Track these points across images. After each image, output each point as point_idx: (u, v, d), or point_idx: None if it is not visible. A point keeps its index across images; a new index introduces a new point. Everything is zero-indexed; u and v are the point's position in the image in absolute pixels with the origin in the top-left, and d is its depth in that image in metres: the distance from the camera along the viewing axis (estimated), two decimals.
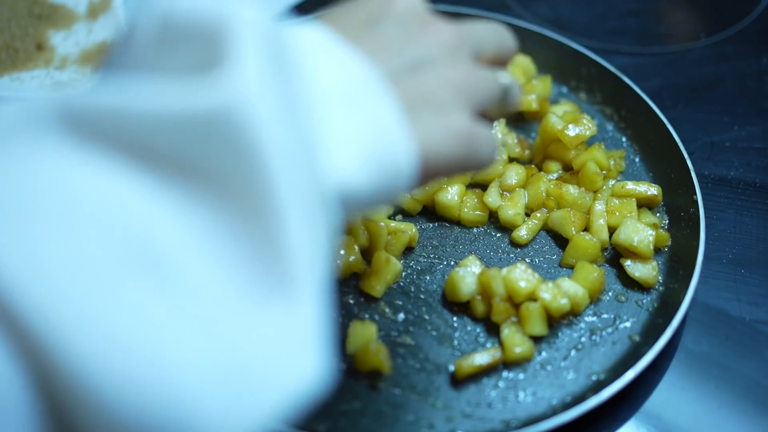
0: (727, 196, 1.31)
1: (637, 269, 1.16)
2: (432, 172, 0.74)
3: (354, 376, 1.07)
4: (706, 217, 1.19)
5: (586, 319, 1.13)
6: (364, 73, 0.69)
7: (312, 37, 0.70)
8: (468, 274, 1.13)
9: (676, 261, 1.18)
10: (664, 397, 1.07)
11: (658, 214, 1.24)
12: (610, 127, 1.39)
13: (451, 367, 1.08)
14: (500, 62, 0.89)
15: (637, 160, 1.33)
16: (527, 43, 1.49)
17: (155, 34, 0.61)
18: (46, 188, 0.51)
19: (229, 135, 0.54)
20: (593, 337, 1.11)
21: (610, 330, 1.12)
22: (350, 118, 0.66)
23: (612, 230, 1.20)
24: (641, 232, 1.16)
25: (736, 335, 1.13)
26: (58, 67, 1.48)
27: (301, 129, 0.61)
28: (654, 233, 1.17)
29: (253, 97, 0.56)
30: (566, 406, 1.02)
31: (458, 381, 1.06)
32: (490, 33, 0.88)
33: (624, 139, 1.36)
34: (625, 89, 1.38)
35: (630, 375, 1.02)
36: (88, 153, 0.54)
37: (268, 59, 0.59)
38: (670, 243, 1.20)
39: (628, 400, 1.06)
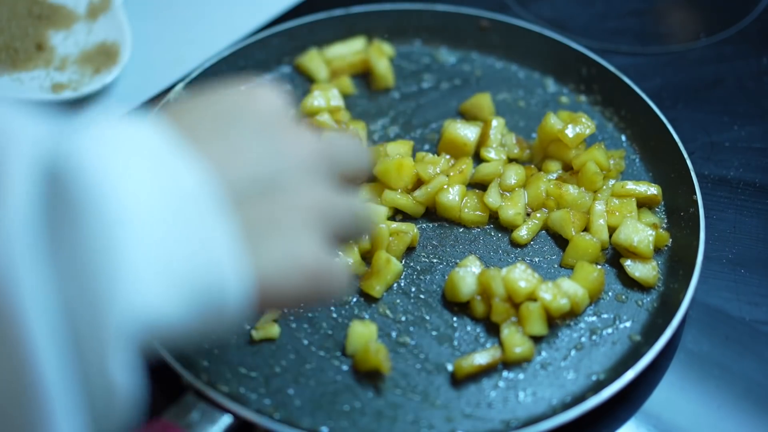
0: (727, 196, 1.31)
1: (637, 269, 1.16)
2: (272, 303, 0.69)
3: (354, 376, 1.07)
4: (706, 217, 1.19)
5: (586, 319, 1.13)
6: (198, 188, 0.63)
7: (143, 139, 0.64)
8: (468, 275, 1.13)
9: (676, 261, 1.18)
10: (664, 397, 1.07)
11: (658, 214, 1.24)
12: (610, 127, 1.39)
13: (451, 367, 1.08)
14: (354, 181, 0.84)
15: (637, 160, 1.33)
16: (527, 43, 1.49)
17: None
18: None
19: None
20: (593, 337, 1.11)
21: (610, 330, 1.12)
22: (166, 243, 0.60)
23: (612, 230, 1.20)
24: (641, 232, 1.16)
25: (736, 335, 1.13)
26: (58, 67, 1.48)
27: (80, 274, 0.55)
28: (654, 233, 1.17)
29: (12, 259, 0.52)
30: (566, 406, 1.02)
31: (458, 381, 1.06)
32: (349, 151, 0.83)
33: (624, 139, 1.36)
34: (625, 89, 1.38)
35: (630, 375, 1.02)
36: None
37: (44, 192, 0.55)
38: (670, 243, 1.20)
39: (628, 400, 1.06)
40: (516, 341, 1.08)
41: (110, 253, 0.57)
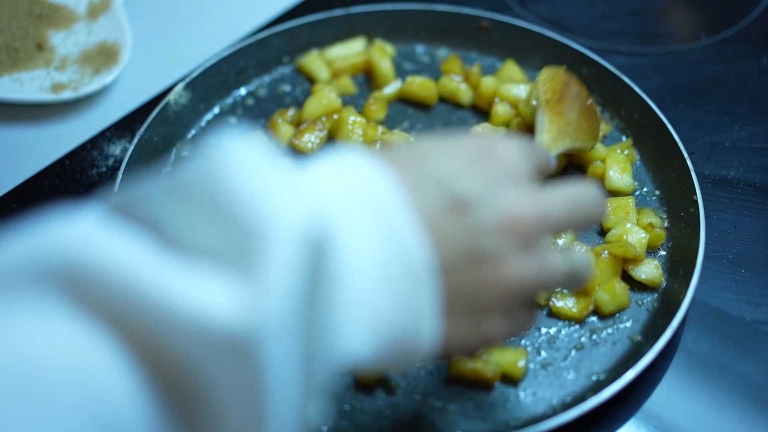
0: (727, 196, 1.31)
1: (642, 272, 1.16)
2: (447, 355, 0.76)
3: (354, 376, 1.07)
4: (706, 217, 1.19)
5: (586, 319, 1.13)
6: (416, 254, 0.66)
7: (372, 189, 0.67)
8: None
9: (676, 261, 1.18)
10: (664, 397, 1.07)
11: (658, 214, 1.24)
12: (610, 126, 1.39)
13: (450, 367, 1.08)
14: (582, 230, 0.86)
15: (637, 160, 1.33)
16: (527, 43, 1.49)
17: (183, 188, 0.59)
18: (31, 362, 0.50)
19: (239, 359, 0.54)
20: (593, 337, 1.11)
21: (610, 330, 1.12)
22: (380, 300, 0.64)
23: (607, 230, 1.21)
24: (634, 233, 1.17)
25: (737, 335, 1.13)
26: (59, 67, 1.48)
27: (315, 330, 0.60)
28: (647, 236, 1.17)
29: (275, 324, 0.55)
30: (566, 406, 1.02)
31: (458, 381, 1.06)
32: (576, 207, 0.80)
33: (624, 139, 1.36)
34: (625, 89, 1.38)
35: (630, 375, 1.02)
36: (85, 327, 0.53)
37: (301, 267, 0.57)
38: (670, 243, 1.21)
39: (629, 401, 1.06)
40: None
41: (334, 311, 0.62)
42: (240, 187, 0.58)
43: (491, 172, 0.75)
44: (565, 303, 1.12)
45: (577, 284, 0.83)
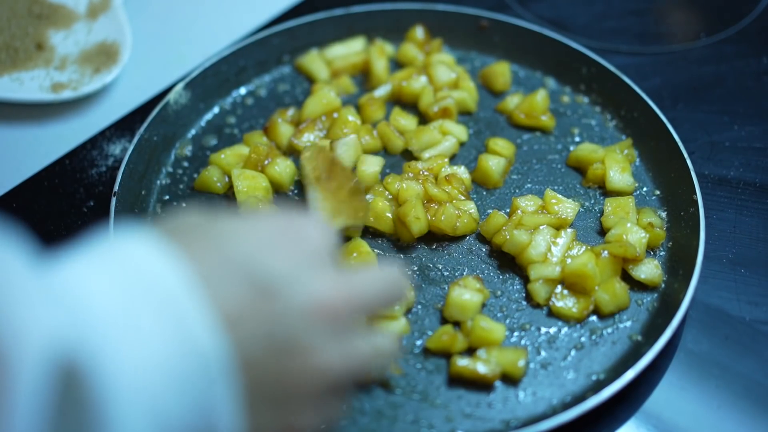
0: (727, 196, 1.31)
1: (641, 272, 1.16)
2: None
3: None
4: (706, 217, 1.19)
5: (586, 318, 1.13)
6: (209, 351, 0.61)
7: (153, 276, 0.61)
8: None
9: (676, 261, 1.18)
10: (664, 396, 1.07)
11: (659, 214, 1.24)
12: (610, 126, 1.39)
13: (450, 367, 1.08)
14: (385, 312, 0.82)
15: (637, 159, 1.33)
16: (527, 42, 1.49)
17: None
18: None
19: None
20: (593, 337, 1.11)
21: (610, 330, 1.12)
22: (167, 404, 0.59)
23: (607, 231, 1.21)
24: (634, 233, 1.17)
25: (736, 335, 1.13)
26: (58, 66, 1.48)
27: None
28: (647, 235, 1.17)
29: None
30: (566, 406, 1.02)
31: (458, 381, 1.06)
32: (380, 289, 0.78)
33: (624, 139, 1.36)
34: (625, 89, 1.38)
35: (630, 375, 1.02)
36: None
37: (46, 399, 0.53)
38: (670, 243, 1.20)
39: (628, 400, 1.06)
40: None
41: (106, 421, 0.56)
42: None
43: (295, 252, 0.70)
44: (565, 303, 1.12)
45: (383, 367, 0.80)
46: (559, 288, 1.13)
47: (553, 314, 1.12)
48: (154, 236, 0.65)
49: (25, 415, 0.52)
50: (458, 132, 1.36)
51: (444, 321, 1.13)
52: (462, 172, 1.28)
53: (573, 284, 1.13)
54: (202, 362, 0.61)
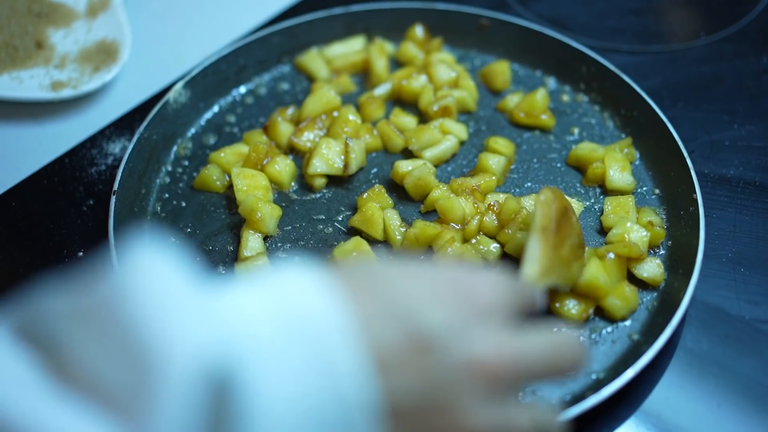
0: (726, 195, 1.31)
1: (644, 270, 1.15)
2: None
3: None
4: (706, 216, 1.19)
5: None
6: (355, 396, 0.60)
7: (312, 322, 0.60)
8: None
9: (676, 259, 1.18)
10: (663, 395, 1.07)
11: (659, 214, 1.24)
12: (610, 125, 1.39)
13: None
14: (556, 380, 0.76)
15: (636, 158, 1.33)
16: (527, 41, 1.49)
17: (87, 311, 0.56)
18: None
19: None
20: (593, 336, 1.11)
21: (609, 329, 1.12)
22: None
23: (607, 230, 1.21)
24: (635, 232, 1.17)
25: (736, 334, 1.13)
26: (58, 65, 1.48)
27: None
28: (648, 234, 1.17)
29: None
30: (566, 405, 1.02)
31: None
32: (550, 357, 0.73)
33: (623, 138, 1.36)
34: (624, 88, 1.38)
35: (630, 374, 1.02)
36: None
37: (197, 406, 0.53)
38: (669, 242, 1.20)
39: (628, 399, 1.06)
40: None
41: None
42: (141, 315, 0.54)
43: (462, 308, 0.67)
44: (566, 305, 1.12)
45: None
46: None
47: (554, 315, 1.12)
48: (318, 273, 0.64)
49: (172, 421, 0.52)
50: (458, 131, 1.36)
51: None
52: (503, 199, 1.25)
53: (584, 294, 1.13)
54: (346, 406, 0.59)
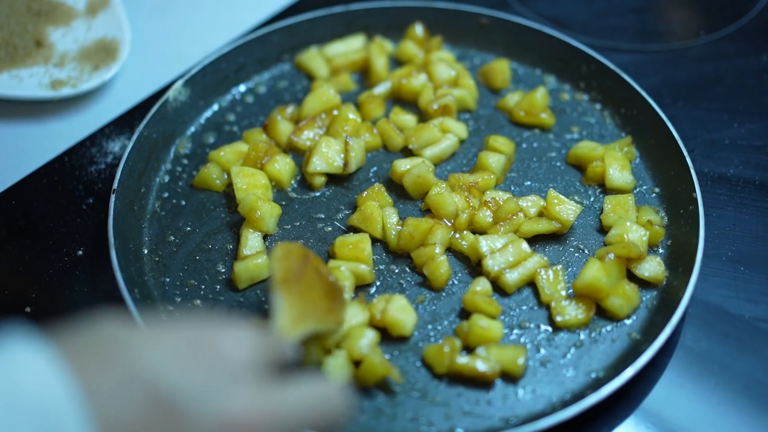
0: (726, 194, 1.31)
1: (645, 269, 1.15)
2: None
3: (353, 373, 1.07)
4: (706, 215, 1.19)
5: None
6: None
7: (34, 403, 0.57)
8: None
9: (676, 258, 1.17)
10: (663, 394, 1.07)
11: (659, 212, 1.24)
12: (610, 124, 1.39)
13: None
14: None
15: (636, 157, 1.33)
16: (527, 40, 1.49)
17: None
18: None
19: None
20: (592, 335, 1.11)
21: (609, 327, 1.12)
22: None
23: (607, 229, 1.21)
24: (634, 231, 1.17)
25: (736, 333, 1.13)
26: (57, 64, 1.48)
27: None
28: (647, 232, 1.17)
29: None
30: (566, 404, 1.02)
31: (457, 378, 1.06)
32: (309, 408, 0.71)
33: (623, 137, 1.36)
34: (624, 86, 1.38)
35: (629, 372, 1.02)
36: None
37: None
38: (669, 241, 1.20)
39: (628, 398, 1.06)
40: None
41: None
42: None
43: (207, 368, 0.65)
44: (569, 314, 1.11)
45: None
46: (553, 303, 1.13)
47: (560, 328, 1.12)
48: (45, 347, 0.61)
49: None
50: (458, 129, 1.35)
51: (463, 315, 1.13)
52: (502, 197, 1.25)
53: (584, 297, 1.13)
54: None
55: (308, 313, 0.97)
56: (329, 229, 1.24)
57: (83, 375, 0.59)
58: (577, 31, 1.60)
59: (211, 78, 1.42)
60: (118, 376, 0.61)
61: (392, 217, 1.21)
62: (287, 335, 0.89)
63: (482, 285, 1.14)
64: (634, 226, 1.18)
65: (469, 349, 1.09)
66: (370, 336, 1.07)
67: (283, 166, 1.28)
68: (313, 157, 1.27)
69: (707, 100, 1.47)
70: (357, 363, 1.06)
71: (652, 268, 1.15)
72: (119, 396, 0.60)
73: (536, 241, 1.21)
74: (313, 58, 1.48)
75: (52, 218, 1.28)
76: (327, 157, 1.28)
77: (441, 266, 1.15)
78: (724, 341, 1.13)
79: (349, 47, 1.50)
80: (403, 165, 1.27)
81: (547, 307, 1.13)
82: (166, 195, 1.29)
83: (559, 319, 1.11)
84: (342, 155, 1.28)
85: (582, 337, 1.11)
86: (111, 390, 0.60)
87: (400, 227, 1.20)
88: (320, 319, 0.99)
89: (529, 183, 1.30)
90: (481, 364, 1.05)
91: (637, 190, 1.28)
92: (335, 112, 1.36)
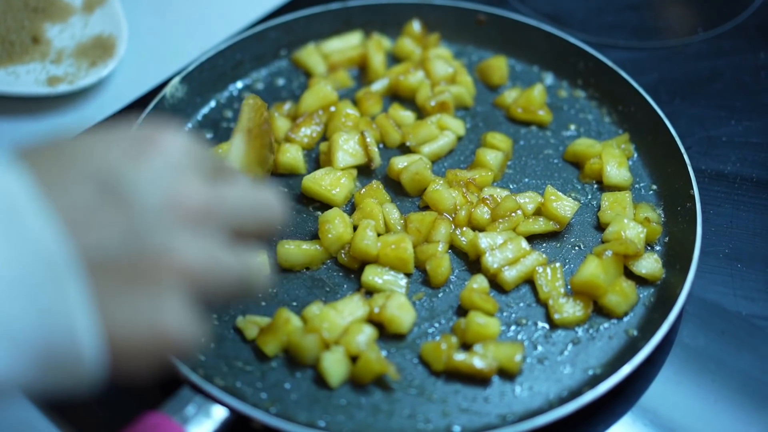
0: (724, 191, 1.31)
1: (642, 266, 1.15)
2: (124, 369, 0.66)
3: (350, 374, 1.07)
4: (703, 212, 1.19)
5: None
6: (56, 254, 0.61)
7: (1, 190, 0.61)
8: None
9: (673, 255, 1.18)
10: (660, 391, 1.07)
11: (656, 210, 1.24)
12: (607, 121, 1.39)
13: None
14: (259, 236, 0.77)
15: (634, 154, 1.33)
16: (524, 37, 1.49)
17: None
18: None
19: None
20: (590, 332, 1.11)
21: (606, 324, 1.12)
22: (14, 311, 0.60)
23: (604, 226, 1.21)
24: (632, 229, 1.17)
25: (733, 330, 1.14)
26: (54, 60, 1.48)
27: None
28: (645, 230, 1.17)
29: None
30: (562, 401, 1.02)
31: (455, 375, 1.06)
32: (251, 205, 0.76)
33: (621, 134, 1.36)
34: (622, 83, 1.38)
35: (626, 369, 1.02)
36: None
37: None
38: (666, 238, 1.20)
39: (625, 395, 1.06)
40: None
41: None
42: None
43: (155, 161, 0.69)
44: (567, 312, 1.11)
45: (248, 292, 0.75)
46: (551, 301, 1.13)
47: (558, 326, 1.12)
48: (5, 153, 0.65)
49: None
50: (456, 126, 1.35)
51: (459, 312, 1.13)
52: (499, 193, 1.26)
53: (582, 293, 1.13)
54: (48, 267, 0.61)
55: (252, 163, 1.10)
56: None
57: (41, 173, 0.64)
58: (575, 28, 1.60)
59: (208, 75, 1.42)
60: (71, 171, 0.66)
61: (393, 212, 1.21)
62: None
63: (479, 282, 1.14)
64: (632, 223, 1.18)
65: (466, 346, 1.09)
66: (367, 332, 1.07)
67: (295, 154, 1.31)
68: (337, 154, 1.27)
69: (705, 98, 1.47)
70: (354, 359, 1.06)
71: (650, 265, 1.15)
72: (71, 187, 0.65)
73: (534, 238, 1.21)
74: (311, 55, 1.48)
75: None
76: (349, 151, 1.28)
77: (442, 263, 1.15)
78: (721, 338, 1.13)
79: (346, 44, 1.50)
80: (400, 162, 1.27)
81: (545, 304, 1.13)
82: None
83: (557, 316, 1.11)
84: (360, 148, 1.29)
85: (579, 334, 1.11)
86: (67, 184, 0.65)
87: (402, 221, 1.20)
88: (256, 170, 1.12)
89: (527, 180, 1.30)
90: (478, 361, 1.05)
91: (635, 187, 1.28)
92: (332, 109, 1.36)
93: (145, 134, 0.71)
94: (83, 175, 0.66)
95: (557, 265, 1.16)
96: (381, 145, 1.34)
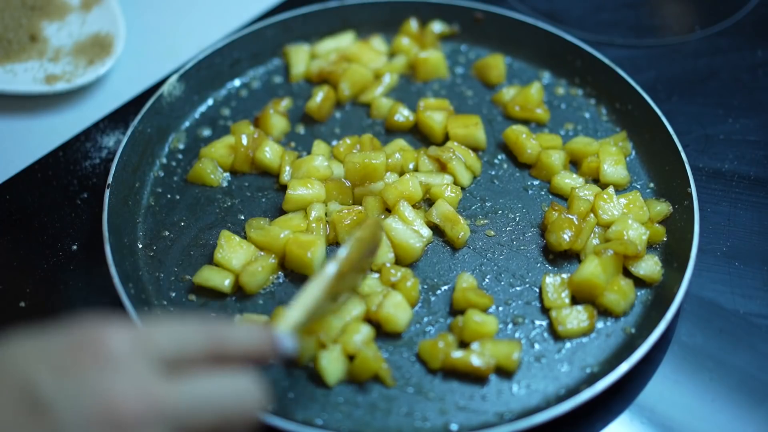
0: (721, 189, 1.31)
1: (641, 268, 1.15)
2: None
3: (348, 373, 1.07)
4: (701, 210, 1.19)
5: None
6: None
7: None
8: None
9: (671, 254, 1.18)
10: (658, 389, 1.07)
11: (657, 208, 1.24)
12: (604, 119, 1.39)
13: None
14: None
15: (631, 152, 1.33)
16: (522, 35, 1.49)
17: None
18: None
19: None
20: None
21: (604, 323, 1.12)
22: None
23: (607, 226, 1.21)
24: (635, 229, 1.17)
25: (730, 328, 1.14)
26: (52, 58, 1.47)
27: None
28: (647, 232, 1.17)
29: None
30: (560, 399, 1.02)
31: (452, 374, 1.06)
32: (214, 400, 0.70)
33: (618, 132, 1.36)
34: (619, 81, 1.38)
35: (624, 367, 1.02)
36: None
37: None
38: (664, 237, 1.20)
39: (622, 393, 1.06)
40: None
41: None
42: None
43: (86, 370, 0.65)
44: (571, 323, 1.11)
45: None
46: (554, 313, 1.12)
47: (563, 338, 1.11)
48: None
49: None
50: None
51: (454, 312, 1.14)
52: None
53: (580, 292, 1.13)
54: None
55: (318, 310, 0.95)
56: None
57: None
58: (572, 26, 1.60)
59: (206, 73, 1.42)
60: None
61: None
62: (289, 327, 0.87)
63: (467, 280, 1.14)
64: (635, 224, 1.17)
65: (463, 344, 1.09)
66: (365, 331, 1.07)
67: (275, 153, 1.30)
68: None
69: (702, 95, 1.47)
70: (352, 358, 1.06)
71: (649, 267, 1.15)
72: None
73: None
74: (297, 53, 1.48)
75: (47, 213, 1.28)
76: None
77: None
78: (718, 336, 1.13)
79: (338, 44, 1.50)
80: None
81: (547, 311, 1.13)
82: (160, 190, 1.29)
83: (561, 328, 1.10)
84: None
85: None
86: None
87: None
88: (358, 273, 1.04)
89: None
90: (475, 359, 1.05)
91: (632, 185, 1.28)
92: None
93: (82, 337, 0.68)
94: (7, 389, 0.63)
95: (564, 276, 1.15)
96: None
